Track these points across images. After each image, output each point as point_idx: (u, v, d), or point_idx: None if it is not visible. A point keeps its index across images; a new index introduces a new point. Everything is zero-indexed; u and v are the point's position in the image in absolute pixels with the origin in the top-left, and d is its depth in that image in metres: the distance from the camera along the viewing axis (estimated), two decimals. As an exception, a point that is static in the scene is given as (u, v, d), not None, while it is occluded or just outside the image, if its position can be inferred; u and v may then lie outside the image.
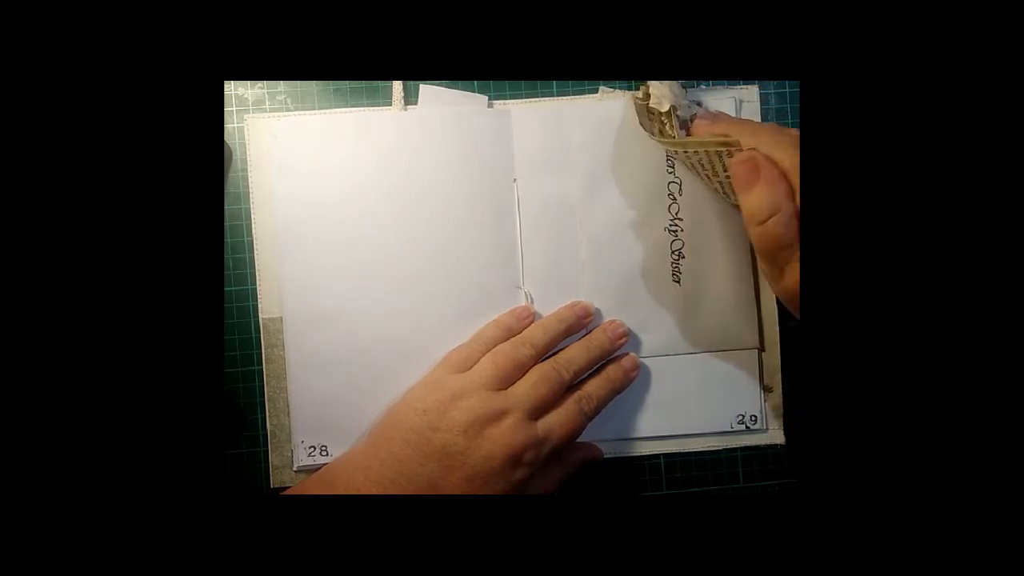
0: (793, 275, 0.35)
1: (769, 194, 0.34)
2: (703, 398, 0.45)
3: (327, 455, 0.42)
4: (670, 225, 0.44)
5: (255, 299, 0.43)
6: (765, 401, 0.45)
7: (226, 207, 0.43)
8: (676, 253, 0.44)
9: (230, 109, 0.43)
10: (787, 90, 0.45)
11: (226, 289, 0.43)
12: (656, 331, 0.44)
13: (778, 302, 0.45)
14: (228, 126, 0.43)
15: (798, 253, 0.34)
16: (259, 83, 0.43)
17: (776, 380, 0.45)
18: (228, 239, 0.43)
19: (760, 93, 0.45)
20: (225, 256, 0.43)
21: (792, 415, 0.45)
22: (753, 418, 0.45)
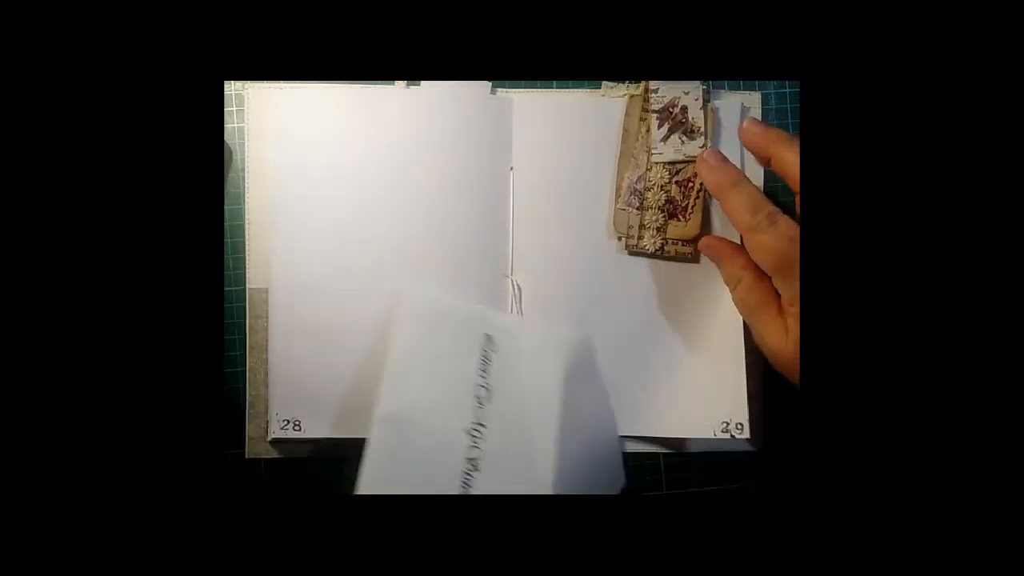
0: (774, 336, 0.38)
1: (728, 269, 0.40)
2: (688, 403, 0.44)
3: (299, 430, 0.42)
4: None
5: (248, 301, 0.43)
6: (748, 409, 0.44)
7: (226, 207, 0.43)
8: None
9: (230, 109, 0.43)
10: (787, 90, 0.45)
11: (226, 289, 0.43)
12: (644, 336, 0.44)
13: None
14: (228, 126, 0.43)
15: (770, 314, 0.38)
16: (259, 83, 0.43)
17: (755, 387, 0.44)
18: (228, 239, 0.43)
19: (760, 94, 0.45)
20: (225, 256, 0.43)
21: (773, 423, 0.45)
22: (739, 426, 0.43)
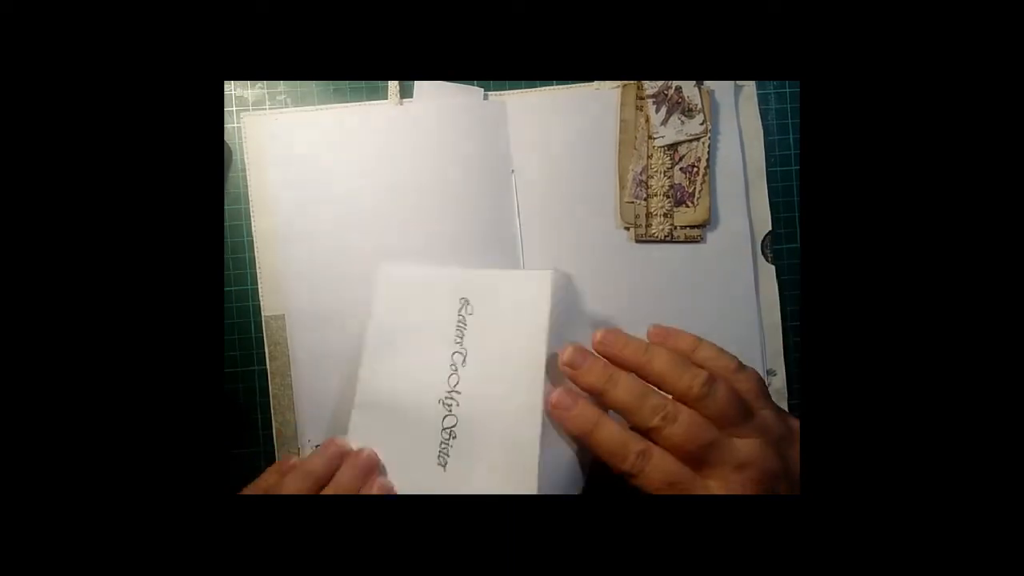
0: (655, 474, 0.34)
1: (586, 411, 0.36)
2: None
3: None
4: None
5: (256, 299, 0.43)
6: (768, 385, 0.45)
7: (226, 207, 0.43)
8: None
9: (230, 109, 0.43)
10: (787, 90, 0.45)
11: (226, 289, 0.43)
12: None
13: (785, 307, 0.45)
14: (228, 126, 0.43)
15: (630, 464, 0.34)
16: (259, 83, 0.44)
17: (779, 363, 0.45)
18: (228, 239, 0.43)
19: (759, 94, 0.45)
20: (225, 256, 0.43)
21: (797, 399, 0.45)
22: None
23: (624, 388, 0.35)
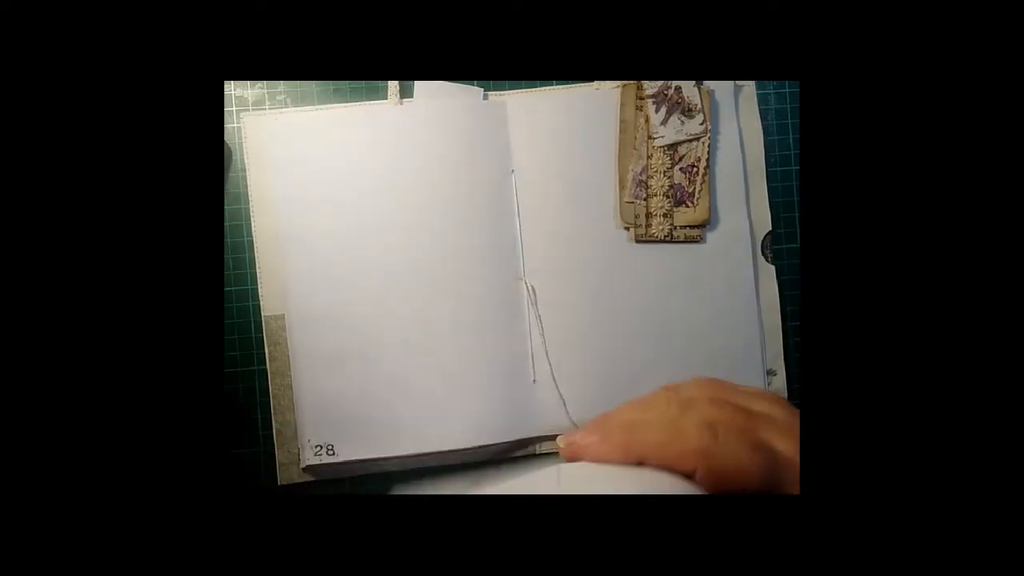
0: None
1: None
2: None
3: (333, 454, 0.42)
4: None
5: (255, 299, 0.43)
6: (768, 385, 0.45)
7: (226, 207, 0.43)
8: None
9: (230, 109, 0.43)
10: (787, 90, 0.45)
11: (226, 289, 0.43)
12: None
13: (784, 292, 0.45)
14: (228, 126, 0.43)
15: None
16: (259, 83, 0.44)
17: (779, 363, 0.45)
18: (228, 239, 0.43)
19: (759, 94, 0.45)
20: (225, 256, 0.43)
21: (797, 400, 0.45)
22: None
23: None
